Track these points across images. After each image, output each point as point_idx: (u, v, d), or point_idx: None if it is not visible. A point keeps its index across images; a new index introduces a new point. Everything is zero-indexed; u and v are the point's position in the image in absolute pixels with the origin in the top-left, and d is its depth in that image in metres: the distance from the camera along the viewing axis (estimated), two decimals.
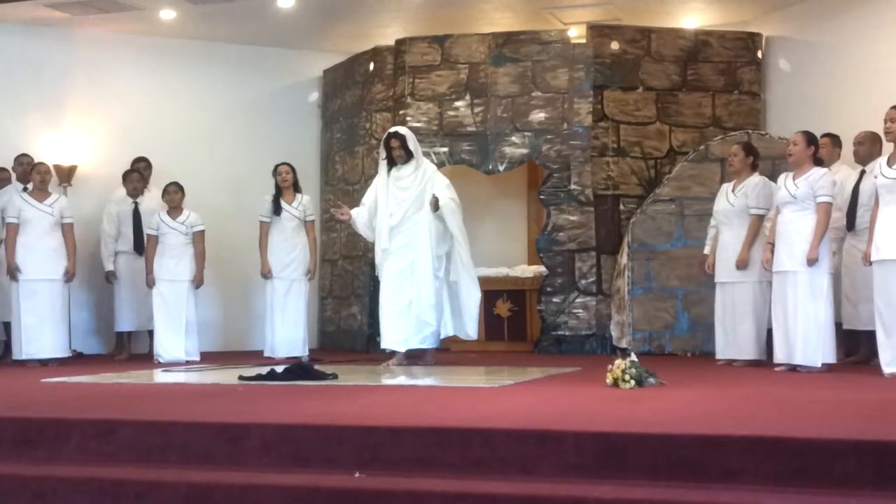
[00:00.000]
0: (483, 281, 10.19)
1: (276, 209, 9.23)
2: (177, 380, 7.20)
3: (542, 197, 9.90)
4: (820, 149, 7.72)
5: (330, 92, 11.40)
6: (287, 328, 9.21)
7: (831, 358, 6.97)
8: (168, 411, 5.05)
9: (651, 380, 5.92)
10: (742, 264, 7.76)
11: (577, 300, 9.65)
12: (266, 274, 9.26)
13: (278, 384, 6.47)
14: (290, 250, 9.26)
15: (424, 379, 7.11)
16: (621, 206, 9.74)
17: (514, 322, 10.16)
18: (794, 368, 7.01)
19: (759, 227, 7.79)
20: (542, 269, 9.89)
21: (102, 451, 4.41)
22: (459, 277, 8.28)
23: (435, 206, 8.14)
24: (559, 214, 9.74)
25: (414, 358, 8.21)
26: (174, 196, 9.12)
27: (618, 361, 5.93)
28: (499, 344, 10.09)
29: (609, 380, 5.88)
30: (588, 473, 3.83)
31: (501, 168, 10.01)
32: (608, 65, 9.89)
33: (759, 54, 10.26)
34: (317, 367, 7.06)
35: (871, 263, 6.68)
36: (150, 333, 9.36)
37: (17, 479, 4.20)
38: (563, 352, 9.50)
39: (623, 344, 8.97)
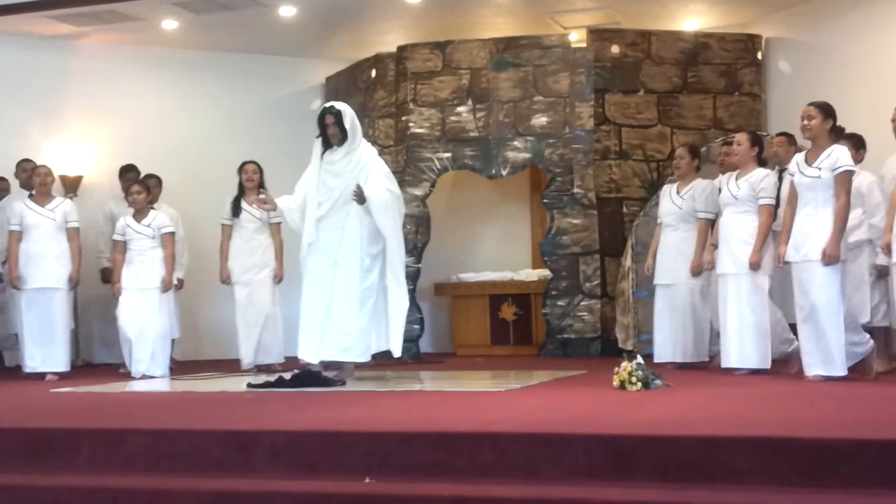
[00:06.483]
0: (488, 285, 10.35)
1: (236, 210, 8.57)
2: (185, 388, 7.22)
3: (545, 201, 9.92)
4: (776, 147, 7.71)
5: (332, 99, 11.31)
6: (255, 335, 8.50)
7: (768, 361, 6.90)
8: (177, 419, 5.08)
9: (657, 382, 5.95)
10: (697, 270, 7.64)
11: (582, 303, 9.66)
12: (224, 279, 8.63)
13: (287, 391, 6.49)
14: (251, 253, 8.56)
15: (431, 384, 7.13)
16: (624, 209, 9.77)
17: (519, 326, 10.18)
18: (753, 372, 6.91)
19: (708, 231, 7.66)
20: (546, 272, 9.91)
21: (113, 460, 4.43)
22: (387, 282, 7.09)
23: (359, 197, 6.98)
24: (562, 218, 9.76)
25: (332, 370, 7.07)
26: (137, 197, 8.31)
27: (624, 364, 5.96)
28: (504, 348, 10.13)
29: (615, 382, 5.91)
30: (596, 476, 3.84)
31: (504, 173, 10.03)
32: (609, 68, 9.92)
33: (759, 56, 10.28)
34: (325, 374, 7.08)
35: (785, 264, 6.48)
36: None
37: (28, 489, 4.22)
38: (568, 355, 9.52)
39: (628, 346, 8.97)
